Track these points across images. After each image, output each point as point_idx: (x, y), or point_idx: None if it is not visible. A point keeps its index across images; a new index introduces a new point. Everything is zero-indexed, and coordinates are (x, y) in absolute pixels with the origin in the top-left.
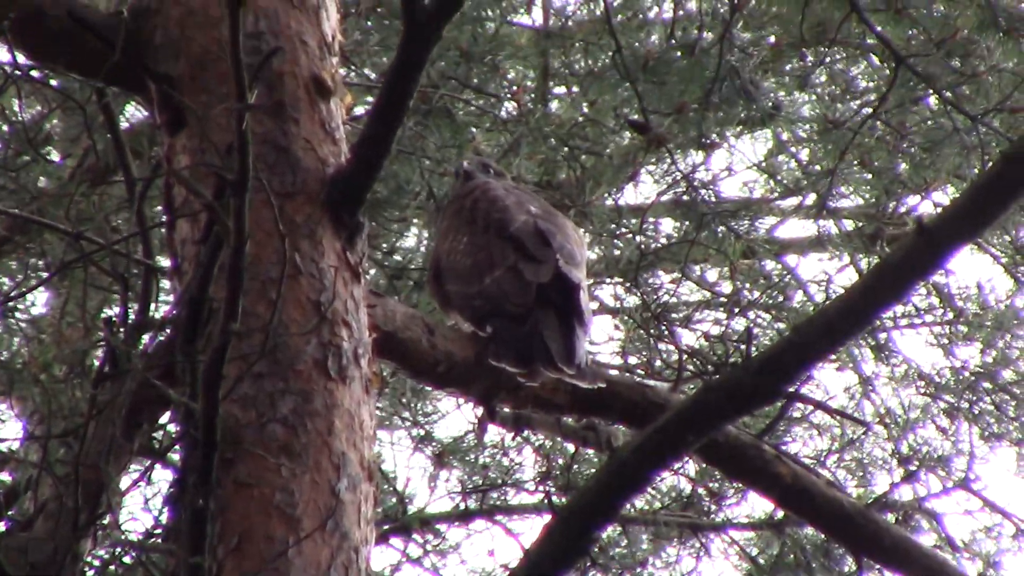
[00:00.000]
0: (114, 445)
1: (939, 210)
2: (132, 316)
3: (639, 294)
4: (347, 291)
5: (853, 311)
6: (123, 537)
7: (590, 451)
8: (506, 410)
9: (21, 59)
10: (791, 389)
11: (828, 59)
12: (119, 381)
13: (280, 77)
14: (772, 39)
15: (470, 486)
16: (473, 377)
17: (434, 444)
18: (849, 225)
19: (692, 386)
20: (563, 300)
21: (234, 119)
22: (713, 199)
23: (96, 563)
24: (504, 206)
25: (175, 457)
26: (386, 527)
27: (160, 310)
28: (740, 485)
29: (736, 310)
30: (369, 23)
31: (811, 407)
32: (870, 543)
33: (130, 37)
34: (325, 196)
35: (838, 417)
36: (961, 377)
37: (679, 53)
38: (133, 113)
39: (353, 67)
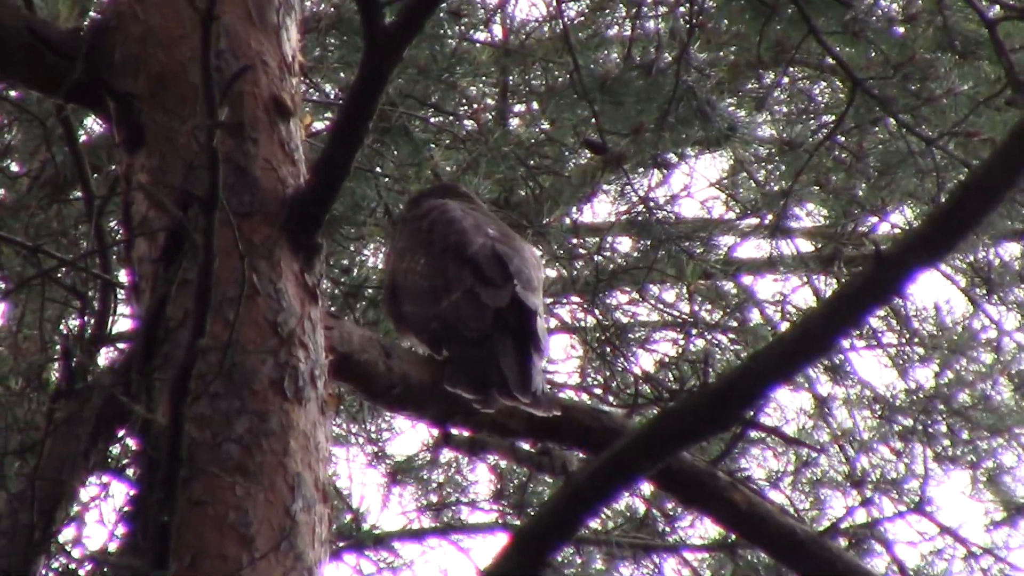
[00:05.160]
0: (76, 461)
1: (897, 238)
2: (90, 331)
3: (596, 314)
4: (304, 312)
5: (811, 338)
6: (85, 552)
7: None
8: (462, 434)
9: None
10: (748, 415)
11: (786, 80)
12: (80, 396)
13: (240, 97)
14: (730, 59)
15: (424, 503)
16: (429, 400)
17: (388, 462)
18: (806, 246)
19: (648, 412)
20: (520, 326)
21: (203, 137)
22: (671, 219)
23: None
24: (462, 228)
25: (130, 473)
26: (340, 544)
27: (117, 326)
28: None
29: (693, 332)
30: (330, 40)
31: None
32: (823, 570)
33: (90, 54)
34: (284, 217)
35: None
36: (916, 399)
37: (636, 73)
38: (91, 126)
39: (313, 84)
